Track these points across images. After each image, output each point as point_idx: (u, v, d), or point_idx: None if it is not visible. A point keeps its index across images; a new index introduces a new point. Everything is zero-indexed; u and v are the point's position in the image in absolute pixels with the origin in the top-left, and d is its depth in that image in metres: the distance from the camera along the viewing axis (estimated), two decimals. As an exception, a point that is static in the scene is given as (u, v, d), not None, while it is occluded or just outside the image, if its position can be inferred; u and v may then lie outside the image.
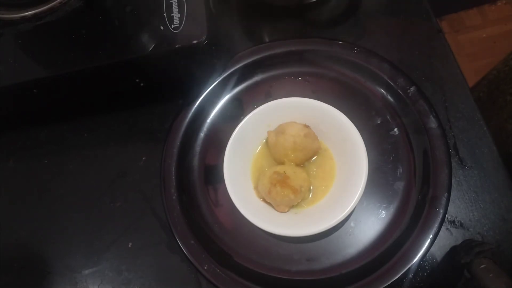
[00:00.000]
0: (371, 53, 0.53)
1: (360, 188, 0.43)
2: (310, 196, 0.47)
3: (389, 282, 0.42)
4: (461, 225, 0.47)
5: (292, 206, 0.46)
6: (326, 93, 0.52)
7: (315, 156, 0.48)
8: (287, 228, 0.44)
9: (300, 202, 0.46)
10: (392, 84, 0.51)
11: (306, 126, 0.47)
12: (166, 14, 0.49)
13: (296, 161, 0.47)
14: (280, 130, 0.47)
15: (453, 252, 0.46)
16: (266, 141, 0.48)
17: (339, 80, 0.54)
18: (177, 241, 0.46)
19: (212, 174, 0.51)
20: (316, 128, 0.48)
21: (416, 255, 0.43)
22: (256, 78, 0.55)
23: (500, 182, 0.49)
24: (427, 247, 0.43)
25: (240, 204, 0.44)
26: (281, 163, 0.47)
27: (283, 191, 0.43)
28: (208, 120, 0.54)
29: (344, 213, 0.42)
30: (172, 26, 0.49)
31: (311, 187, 0.47)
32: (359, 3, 0.61)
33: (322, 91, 0.53)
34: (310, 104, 0.48)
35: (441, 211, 0.44)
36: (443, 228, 0.46)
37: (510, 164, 0.50)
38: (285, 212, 0.45)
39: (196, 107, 0.53)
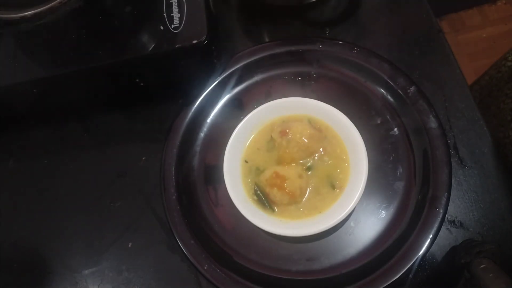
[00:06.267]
0: (371, 53, 0.53)
1: (360, 188, 0.43)
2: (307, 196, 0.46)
3: (389, 282, 0.42)
4: (461, 225, 0.47)
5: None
6: (326, 93, 0.52)
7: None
8: (287, 228, 0.44)
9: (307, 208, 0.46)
10: (392, 84, 0.51)
11: (311, 126, 0.47)
12: (166, 14, 0.49)
13: (297, 160, 0.47)
14: (284, 130, 0.47)
15: (453, 252, 0.46)
16: (271, 140, 0.48)
17: (339, 80, 0.54)
18: (177, 241, 0.46)
19: (212, 174, 0.51)
20: (316, 128, 0.48)
21: (416, 255, 0.43)
22: (256, 78, 0.55)
23: (500, 182, 0.49)
24: (427, 247, 0.43)
25: (240, 204, 0.44)
26: (282, 162, 0.47)
27: (280, 193, 0.44)
28: (208, 120, 0.54)
29: (344, 213, 0.42)
30: (172, 26, 0.49)
31: (311, 186, 0.46)
32: (359, 3, 0.61)
33: (322, 91, 0.53)
34: (310, 104, 0.48)
35: (441, 211, 0.44)
36: (443, 228, 0.46)
37: (510, 164, 0.50)
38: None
39: (196, 107, 0.53)
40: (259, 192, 0.46)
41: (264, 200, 0.45)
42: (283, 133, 0.46)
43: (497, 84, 0.66)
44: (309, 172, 0.47)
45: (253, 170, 0.48)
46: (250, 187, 0.47)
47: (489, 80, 0.69)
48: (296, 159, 0.46)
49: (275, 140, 0.47)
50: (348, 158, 0.46)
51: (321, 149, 0.47)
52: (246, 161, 0.48)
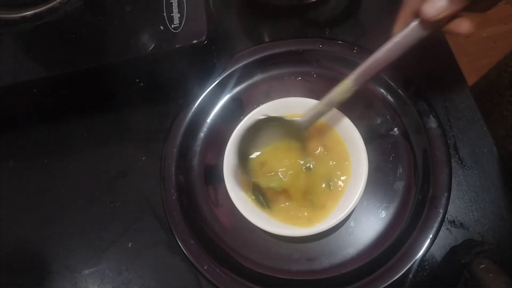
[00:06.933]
0: (371, 53, 0.53)
1: (360, 188, 0.43)
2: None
3: (389, 282, 0.42)
4: (461, 225, 0.47)
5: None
6: (326, 93, 0.52)
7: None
8: (287, 228, 0.44)
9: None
10: (392, 84, 0.51)
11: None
12: (166, 14, 0.49)
13: (297, 159, 0.46)
14: None
15: (453, 252, 0.46)
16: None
17: (339, 80, 0.53)
18: (177, 241, 0.46)
19: (212, 174, 0.51)
20: (315, 127, 0.48)
21: (416, 255, 0.43)
22: (256, 78, 0.55)
23: (500, 182, 0.49)
24: (427, 247, 0.43)
25: (240, 204, 0.44)
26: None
27: (277, 193, 0.44)
28: (208, 120, 0.54)
29: (344, 213, 0.42)
30: (172, 26, 0.49)
31: (310, 186, 0.46)
32: (359, 3, 0.61)
33: (321, 91, 0.52)
34: (310, 104, 0.48)
35: (441, 211, 0.44)
36: (443, 228, 0.46)
37: (510, 164, 0.50)
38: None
39: (196, 107, 0.53)
40: (257, 191, 0.46)
41: (261, 198, 0.45)
42: None
43: (498, 90, 0.65)
44: (309, 172, 0.47)
45: (253, 165, 0.47)
46: (249, 186, 0.47)
47: (490, 86, 0.68)
48: (295, 158, 0.46)
49: None
50: (348, 158, 0.46)
51: (321, 148, 0.47)
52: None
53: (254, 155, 0.45)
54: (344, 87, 0.41)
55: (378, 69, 0.39)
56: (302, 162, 0.46)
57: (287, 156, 0.45)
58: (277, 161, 0.44)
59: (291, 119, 0.44)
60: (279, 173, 0.44)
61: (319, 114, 0.43)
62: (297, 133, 0.44)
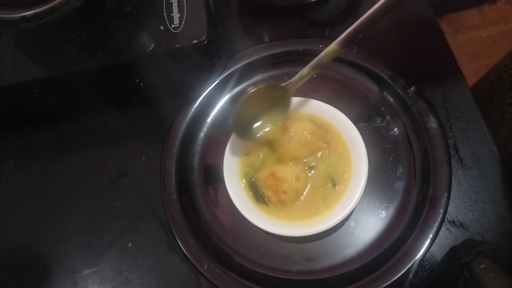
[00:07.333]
0: (371, 53, 0.53)
1: (360, 188, 0.43)
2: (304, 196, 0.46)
3: (389, 282, 0.42)
4: (461, 225, 0.47)
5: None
6: (326, 93, 0.52)
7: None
8: (287, 228, 0.44)
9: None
10: (392, 84, 0.51)
11: (313, 124, 0.47)
12: (166, 14, 0.49)
13: (299, 158, 0.46)
14: (286, 127, 0.46)
15: (453, 252, 0.46)
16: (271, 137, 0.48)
17: (339, 80, 0.54)
18: (177, 241, 0.46)
19: (212, 174, 0.51)
20: (318, 125, 0.48)
21: (416, 255, 0.43)
22: (256, 78, 0.56)
23: (500, 182, 0.49)
24: (427, 247, 0.43)
25: (240, 204, 0.44)
26: (282, 159, 0.47)
27: (275, 196, 0.44)
28: (208, 120, 0.54)
29: (344, 213, 0.42)
30: (172, 26, 0.49)
31: (308, 187, 0.46)
32: (359, 3, 0.61)
33: (322, 91, 0.53)
34: (310, 104, 0.48)
35: (441, 211, 0.44)
36: (443, 228, 0.46)
37: (510, 164, 0.50)
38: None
39: (196, 107, 0.53)
40: (254, 184, 0.46)
41: (253, 192, 0.46)
42: (285, 130, 0.46)
43: (498, 91, 0.65)
44: (311, 171, 0.47)
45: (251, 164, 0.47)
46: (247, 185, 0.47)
47: (490, 87, 0.68)
48: (297, 157, 0.46)
49: (278, 138, 0.47)
50: (350, 157, 0.46)
51: (324, 145, 0.47)
52: (247, 154, 0.48)
53: (251, 122, 0.46)
54: (332, 50, 0.42)
55: (362, 31, 0.41)
56: (305, 160, 0.46)
57: (276, 115, 0.47)
58: (268, 120, 0.47)
59: (279, 84, 0.45)
60: (270, 127, 0.46)
61: (307, 75, 0.45)
62: (285, 94, 0.45)
